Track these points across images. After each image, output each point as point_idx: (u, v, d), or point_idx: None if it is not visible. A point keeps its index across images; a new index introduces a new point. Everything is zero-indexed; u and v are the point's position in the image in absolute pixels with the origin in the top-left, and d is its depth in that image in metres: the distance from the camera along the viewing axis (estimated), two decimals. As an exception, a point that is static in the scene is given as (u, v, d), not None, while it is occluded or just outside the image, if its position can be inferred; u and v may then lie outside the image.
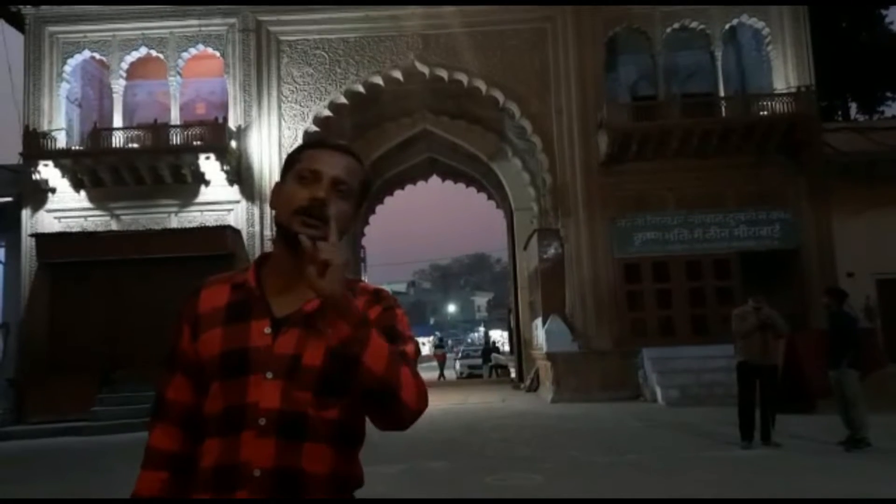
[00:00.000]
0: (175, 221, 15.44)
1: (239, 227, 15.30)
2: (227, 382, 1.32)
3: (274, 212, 1.40)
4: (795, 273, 14.92)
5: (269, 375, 1.30)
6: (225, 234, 14.87)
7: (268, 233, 14.85)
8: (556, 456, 8.19)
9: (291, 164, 1.40)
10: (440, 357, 30.93)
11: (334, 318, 1.19)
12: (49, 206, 15.34)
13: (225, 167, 15.08)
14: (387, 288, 1.56)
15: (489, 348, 31.07)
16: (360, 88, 15.96)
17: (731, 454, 7.82)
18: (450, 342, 53.78)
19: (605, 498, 5.98)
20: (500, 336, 49.99)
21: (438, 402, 14.91)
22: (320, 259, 1.16)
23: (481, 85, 15.86)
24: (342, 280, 1.19)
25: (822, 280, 14.80)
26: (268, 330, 1.34)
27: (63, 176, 15.08)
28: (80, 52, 15.86)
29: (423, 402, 1.29)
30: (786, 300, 14.72)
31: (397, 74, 15.98)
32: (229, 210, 15.48)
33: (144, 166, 15.03)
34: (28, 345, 14.51)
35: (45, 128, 15.31)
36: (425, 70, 15.93)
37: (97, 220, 15.44)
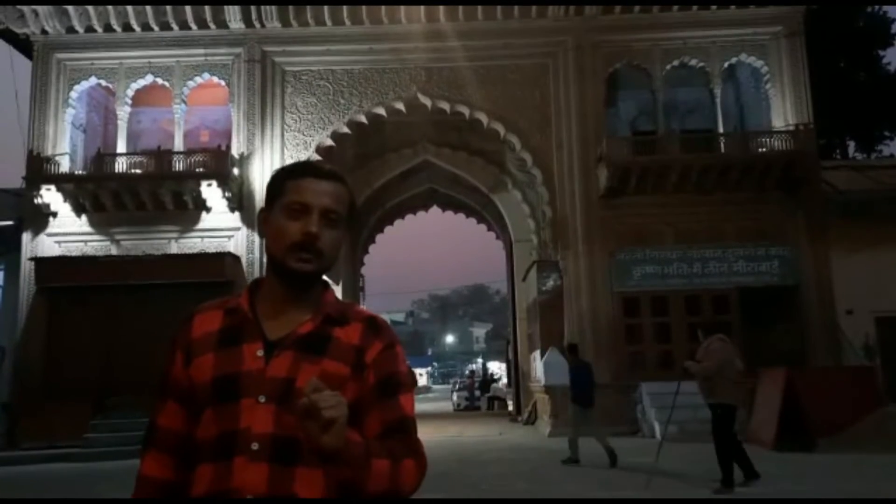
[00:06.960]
0: (175, 247, 15.45)
1: (239, 253, 15.32)
2: (219, 407, 1.31)
3: (264, 240, 1.43)
4: (794, 310, 14.89)
5: (262, 399, 1.30)
6: (224, 261, 14.87)
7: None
8: (552, 491, 8.09)
9: (277, 193, 1.40)
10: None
11: (335, 465, 1.19)
12: (50, 230, 15.36)
13: (226, 194, 15.13)
14: (385, 317, 1.56)
15: (487, 380, 30.89)
16: (363, 119, 16.12)
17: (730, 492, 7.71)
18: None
19: (603, 498, 5.89)
20: (498, 368, 49.60)
21: (435, 435, 14.77)
22: (326, 417, 1.12)
23: (483, 117, 16.02)
24: (345, 433, 1.15)
25: (822, 317, 14.81)
26: (260, 353, 1.34)
27: (65, 200, 15.12)
28: (86, 79, 16.03)
29: (422, 478, 1.32)
30: (785, 337, 14.73)
31: (400, 106, 16.14)
32: (230, 237, 15.51)
33: (146, 192, 15.09)
34: (23, 369, 14.40)
35: (50, 152, 15.38)
36: (427, 102, 16.10)
37: (97, 245, 15.45)
